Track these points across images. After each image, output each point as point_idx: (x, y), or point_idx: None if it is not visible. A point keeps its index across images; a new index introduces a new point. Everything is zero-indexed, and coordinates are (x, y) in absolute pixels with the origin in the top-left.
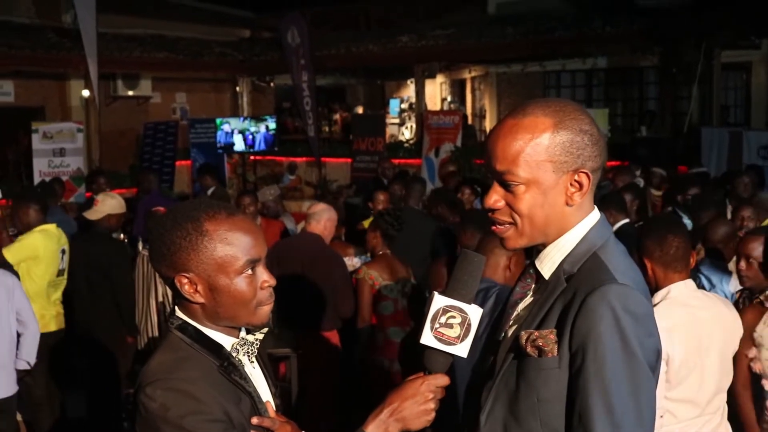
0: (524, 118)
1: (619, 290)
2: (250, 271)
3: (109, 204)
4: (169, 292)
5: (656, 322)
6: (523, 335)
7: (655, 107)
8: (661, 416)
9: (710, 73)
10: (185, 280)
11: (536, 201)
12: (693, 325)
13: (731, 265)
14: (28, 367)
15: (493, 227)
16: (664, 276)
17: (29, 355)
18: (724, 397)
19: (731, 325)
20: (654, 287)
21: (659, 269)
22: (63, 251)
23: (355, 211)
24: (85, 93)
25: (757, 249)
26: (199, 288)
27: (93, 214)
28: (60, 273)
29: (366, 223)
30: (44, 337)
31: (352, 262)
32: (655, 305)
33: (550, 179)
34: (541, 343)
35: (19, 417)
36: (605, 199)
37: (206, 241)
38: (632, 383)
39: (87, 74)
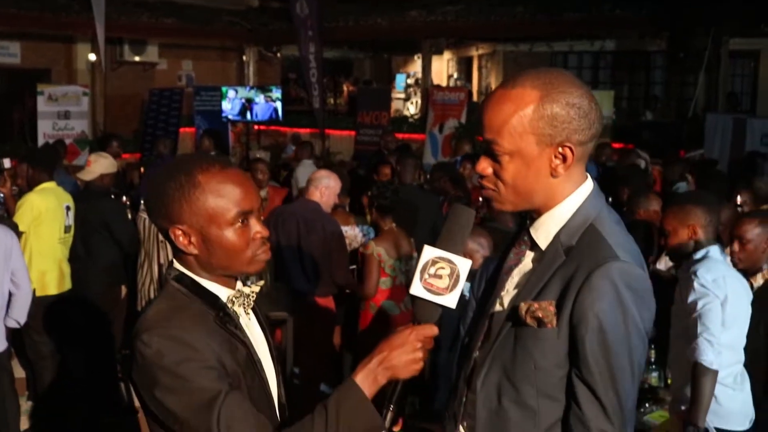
0: (512, 89)
1: (622, 267)
2: (241, 223)
3: (101, 164)
4: (171, 255)
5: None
6: (523, 306)
7: (662, 92)
8: (720, 353)
9: (718, 60)
10: (179, 232)
11: (519, 171)
12: (734, 277)
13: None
14: (17, 326)
15: (483, 191)
16: (706, 242)
17: (19, 316)
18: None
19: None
20: (691, 249)
21: (702, 235)
22: (67, 207)
23: (360, 182)
24: (92, 57)
25: (750, 231)
26: (193, 239)
27: (86, 175)
28: (67, 230)
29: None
30: (43, 299)
31: (354, 231)
32: (698, 261)
33: (534, 151)
34: (540, 315)
35: (22, 374)
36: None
37: (198, 193)
38: (629, 347)
39: (94, 38)
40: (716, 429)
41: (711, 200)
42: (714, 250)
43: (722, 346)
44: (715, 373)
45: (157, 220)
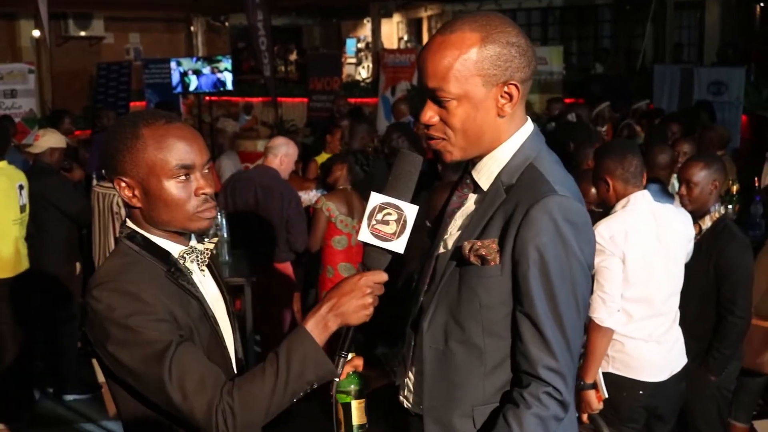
0: (452, 34)
1: (560, 201)
2: (183, 177)
3: (49, 138)
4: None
5: (613, 226)
6: (466, 245)
7: (610, 45)
8: (618, 311)
9: (663, 12)
10: (123, 184)
11: (468, 115)
12: (648, 227)
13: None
14: None
15: (430, 141)
16: (624, 190)
17: None
18: (676, 301)
19: (684, 231)
20: (614, 201)
21: (620, 185)
22: (21, 186)
23: (307, 149)
24: (36, 33)
25: (697, 174)
26: (136, 192)
27: (34, 149)
28: (22, 209)
29: (318, 159)
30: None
31: (309, 196)
32: (615, 212)
33: (481, 93)
34: (483, 253)
35: None
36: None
37: (140, 145)
38: (571, 281)
39: (37, 14)
40: (627, 378)
41: (621, 148)
42: (636, 198)
43: (628, 301)
44: (607, 330)
45: (108, 173)
